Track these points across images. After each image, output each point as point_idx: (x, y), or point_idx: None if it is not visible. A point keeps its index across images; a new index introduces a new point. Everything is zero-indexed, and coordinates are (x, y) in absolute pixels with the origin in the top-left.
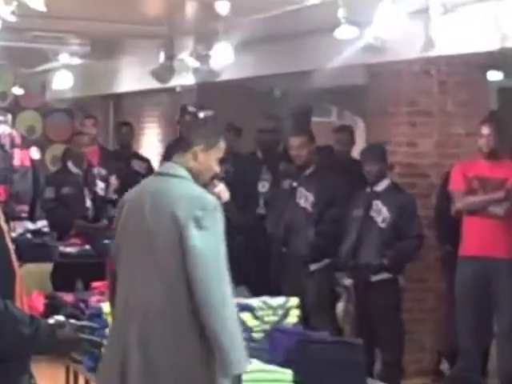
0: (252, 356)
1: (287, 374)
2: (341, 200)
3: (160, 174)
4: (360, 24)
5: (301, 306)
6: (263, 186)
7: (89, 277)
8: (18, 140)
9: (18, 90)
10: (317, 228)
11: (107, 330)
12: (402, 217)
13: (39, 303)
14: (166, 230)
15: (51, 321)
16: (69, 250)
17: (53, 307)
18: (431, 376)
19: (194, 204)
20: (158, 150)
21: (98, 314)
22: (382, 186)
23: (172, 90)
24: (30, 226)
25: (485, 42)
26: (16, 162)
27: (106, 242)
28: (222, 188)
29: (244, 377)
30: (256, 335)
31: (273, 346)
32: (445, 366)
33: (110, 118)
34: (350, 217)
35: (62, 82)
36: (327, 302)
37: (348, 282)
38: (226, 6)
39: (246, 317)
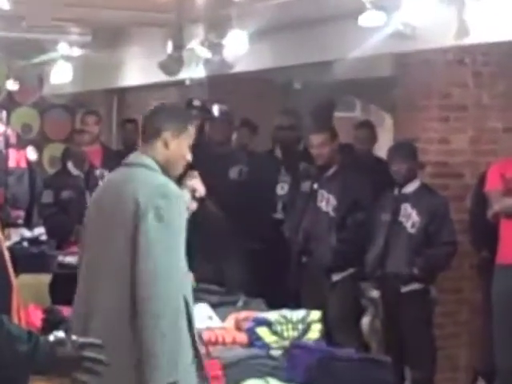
0: (269, 375)
1: None
2: (366, 203)
3: (126, 164)
4: (387, 9)
5: (323, 320)
6: (282, 189)
7: None
8: (12, 139)
9: (12, 85)
10: (340, 234)
11: None
12: (433, 221)
13: (36, 317)
14: (124, 221)
15: (51, 337)
16: (68, 259)
17: (51, 322)
18: None
19: (156, 192)
20: None
21: None
22: (411, 187)
23: (181, 83)
24: (27, 233)
25: None
26: (11, 164)
27: None
28: (197, 180)
29: None
30: (274, 352)
31: (292, 364)
32: None
33: (114, 115)
34: (376, 222)
35: (61, 75)
36: (352, 316)
37: (374, 293)
38: None
39: (263, 332)
